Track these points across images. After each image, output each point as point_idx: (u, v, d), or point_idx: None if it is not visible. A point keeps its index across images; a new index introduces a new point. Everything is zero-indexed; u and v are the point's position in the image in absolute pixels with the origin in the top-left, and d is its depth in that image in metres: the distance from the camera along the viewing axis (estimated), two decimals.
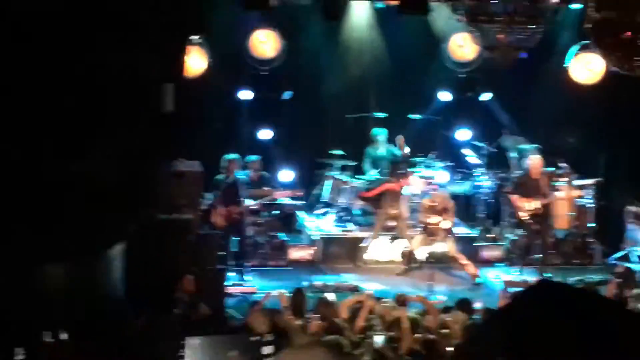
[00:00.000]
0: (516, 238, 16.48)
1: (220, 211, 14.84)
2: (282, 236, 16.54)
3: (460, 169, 17.79)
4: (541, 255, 15.69)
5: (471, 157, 17.65)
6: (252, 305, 11.11)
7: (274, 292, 11.34)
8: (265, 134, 17.68)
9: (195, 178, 14.31)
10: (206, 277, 12.64)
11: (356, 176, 17.11)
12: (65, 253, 10.05)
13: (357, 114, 17.52)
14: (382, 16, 17.43)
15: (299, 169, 17.77)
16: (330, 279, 14.97)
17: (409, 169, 16.31)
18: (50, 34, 8.90)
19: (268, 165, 16.89)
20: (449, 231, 15.48)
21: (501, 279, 15.34)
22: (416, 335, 9.21)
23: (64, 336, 8.95)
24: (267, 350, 1.32)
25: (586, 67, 16.79)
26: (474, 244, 16.59)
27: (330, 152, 17.24)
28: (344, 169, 17.15)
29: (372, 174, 16.79)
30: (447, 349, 8.81)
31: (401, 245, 16.14)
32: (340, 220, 16.97)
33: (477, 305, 11.33)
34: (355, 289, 14.09)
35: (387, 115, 17.47)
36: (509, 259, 16.46)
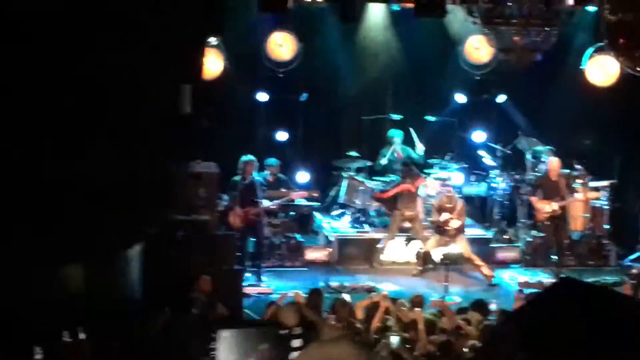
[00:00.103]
0: (531, 239, 16.52)
1: (237, 212, 14.94)
2: (299, 237, 16.58)
3: (476, 170, 17.85)
4: (556, 257, 15.74)
5: (486, 158, 17.70)
6: (269, 306, 11.19)
7: (290, 293, 11.42)
8: (281, 135, 17.76)
9: (212, 179, 14.42)
10: (223, 277, 12.67)
11: (373, 177, 17.19)
12: (83, 253, 10.13)
13: (373, 115, 17.60)
14: (398, 18, 17.47)
15: (315, 171, 17.83)
16: (346, 280, 15.05)
17: (418, 171, 16.40)
18: (51, 34, 8.87)
19: (284, 167, 16.94)
20: (459, 230, 15.52)
21: (516, 280, 15.38)
22: (432, 336, 9.28)
23: (82, 336, 9.06)
24: (296, 343, 1.37)
25: (601, 70, 16.78)
26: (490, 246, 16.61)
27: (346, 153, 17.30)
28: (359, 170, 17.21)
29: (387, 175, 16.90)
30: (463, 349, 8.87)
31: (417, 246, 16.19)
32: (356, 221, 17.01)
33: (493, 306, 11.38)
34: (371, 290, 14.17)
35: (402, 117, 17.54)
36: (524, 261, 16.50)
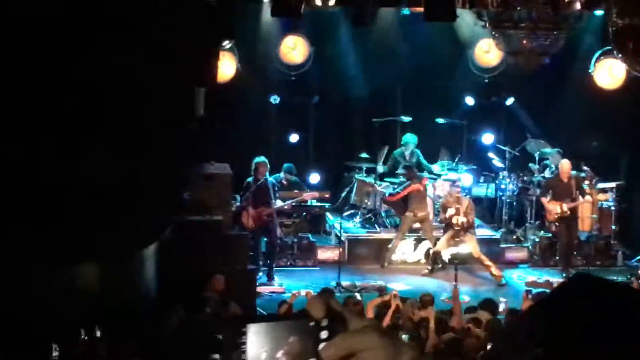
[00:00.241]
0: (539, 240, 16.70)
1: (250, 213, 15.09)
2: (311, 237, 16.78)
3: (485, 172, 18.03)
4: (564, 257, 15.90)
5: (495, 160, 17.88)
6: (280, 305, 11.37)
7: (302, 292, 11.58)
8: (293, 137, 17.95)
9: (225, 180, 14.59)
10: (237, 276, 12.89)
11: (384, 179, 17.39)
12: (98, 253, 10.29)
13: (384, 118, 17.78)
14: (408, 22, 17.61)
15: (327, 172, 18.07)
16: (357, 279, 15.21)
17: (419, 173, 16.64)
18: (51, 34, 9.00)
19: (296, 168, 17.19)
20: (468, 229, 15.67)
21: (525, 279, 15.54)
22: (442, 335, 9.44)
23: (98, 334, 9.23)
24: (324, 335, 1.46)
25: (609, 73, 16.90)
26: (499, 246, 16.78)
27: (358, 155, 17.47)
28: (370, 171, 17.42)
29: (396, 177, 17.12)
30: (472, 348, 9.02)
31: (426, 246, 16.40)
32: (367, 221, 17.23)
33: (501, 305, 11.55)
34: (381, 289, 14.31)
35: (412, 119, 17.74)
36: (532, 261, 16.68)
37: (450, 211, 15.62)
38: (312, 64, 17.52)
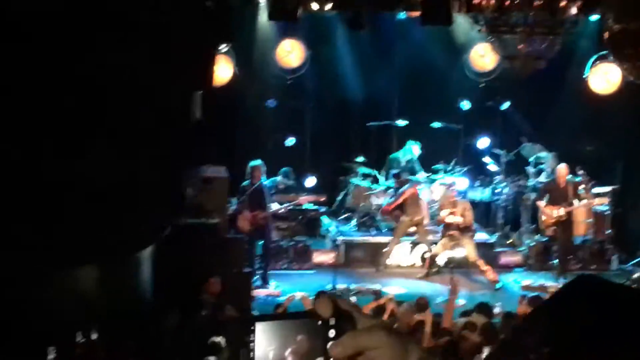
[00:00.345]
0: (534, 244, 16.75)
1: (246, 216, 15.12)
2: (306, 241, 16.82)
3: (480, 176, 18.08)
4: (559, 261, 15.95)
5: (491, 164, 17.93)
6: (276, 308, 11.40)
7: (298, 295, 11.61)
8: (289, 141, 18.00)
9: (222, 183, 14.63)
10: (233, 279, 12.95)
11: (380, 182, 17.43)
12: (95, 255, 10.30)
13: (380, 122, 17.83)
14: (405, 26, 17.69)
15: (323, 176, 18.10)
16: (353, 283, 15.22)
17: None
18: (51, 34, 8.98)
19: (293, 172, 17.22)
20: (462, 229, 15.65)
21: (520, 283, 15.57)
22: (438, 340, 9.46)
23: (95, 336, 9.25)
24: (332, 333, 1.47)
25: (604, 77, 16.95)
26: (494, 250, 16.83)
27: (354, 159, 17.57)
28: (366, 175, 17.46)
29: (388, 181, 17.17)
30: (468, 351, 9.05)
31: (422, 250, 16.45)
32: (362, 225, 17.27)
33: (496, 309, 11.57)
34: (377, 293, 14.29)
35: (408, 123, 17.79)
36: (527, 264, 16.74)
37: (445, 212, 15.66)
38: (308, 68, 17.57)
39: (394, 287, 14.90)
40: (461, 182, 17.20)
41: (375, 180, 17.46)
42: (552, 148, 17.48)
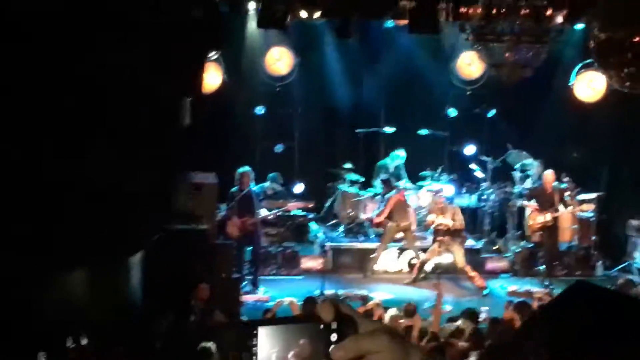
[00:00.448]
0: (520, 250, 16.88)
1: (234, 222, 15.19)
2: (295, 246, 16.91)
3: (467, 182, 18.20)
4: (545, 267, 16.08)
5: (477, 171, 18.07)
6: (265, 313, 11.47)
7: (286, 300, 11.68)
8: (278, 147, 18.09)
9: (211, 190, 14.69)
10: (221, 285, 13.02)
11: (368, 189, 17.55)
12: (86, 260, 10.32)
13: (367, 128, 17.94)
14: (392, 34, 17.82)
15: (311, 182, 18.19)
16: (341, 288, 15.31)
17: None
18: (51, 34, 8.99)
19: (281, 178, 17.33)
20: (452, 233, 15.69)
21: (506, 289, 15.68)
22: (424, 343, 9.54)
23: (85, 341, 9.28)
24: (334, 337, 1.52)
25: (588, 85, 17.10)
26: (480, 256, 16.93)
27: (342, 165, 17.66)
28: (353, 182, 17.57)
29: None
30: (456, 356, 9.12)
31: (409, 256, 16.55)
32: (350, 231, 17.38)
33: (483, 314, 11.67)
34: (364, 298, 14.38)
35: (395, 130, 17.92)
36: (513, 270, 16.88)
37: (432, 216, 15.78)
38: (297, 75, 17.68)
39: (381, 293, 14.95)
40: (447, 189, 17.29)
41: (364, 187, 17.55)
42: (538, 155, 17.62)
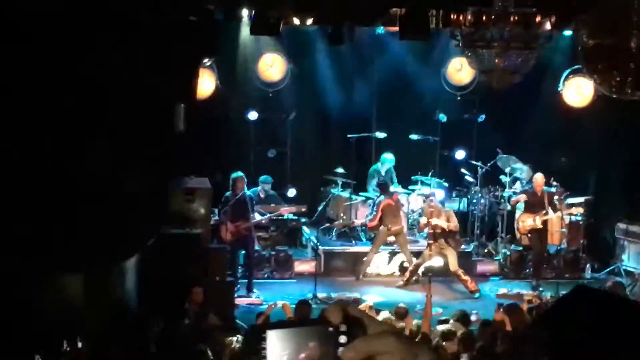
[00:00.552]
0: (510, 253, 17.05)
1: (228, 226, 15.33)
2: (288, 250, 17.01)
3: (457, 187, 18.39)
4: (533, 269, 16.25)
5: (467, 175, 18.23)
6: (258, 316, 11.58)
7: (279, 303, 11.82)
8: (271, 152, 18.23)
9: (204, 195, 14.81)
10: (215, 289, 13.13)
11: (360, 193, 17.71)
12: (81, 263, 10.40)
13: (359, 134, 18.09)
14: (383, 41, 17.99)
15: (304, 187, 18.35)
16: (333, 291, 15.47)
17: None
18: (51, 34, 8.98)
19: (274, 183, 17.47)
20: (448, 236, 15.79)
21: (496, 291, 15.85)
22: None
23: (80, 345, 9.37)
24: (343, 339, 1.58)
25: (577, 91, 17.29)
26: (470, 259, 17.08)
27: (334, 170, 17.75)
28: (345, 186, 17.71)
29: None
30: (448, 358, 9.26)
31: (400, 259, 16.71)
32: (342, 235, 17.54)
33: (473, 317, 11.80)
34: (356, 301, 14.48)
35: (386, 135, 18.10)
36: (503, 273, 17.05)
37: (424, 219, 15.93)
38: (289, 81, 17.84)
39: (373, 296, 15.10)
40: (438, 193, 17.42)
41: (355, 191, 17.70)
42: (527, 160, 17.80)
